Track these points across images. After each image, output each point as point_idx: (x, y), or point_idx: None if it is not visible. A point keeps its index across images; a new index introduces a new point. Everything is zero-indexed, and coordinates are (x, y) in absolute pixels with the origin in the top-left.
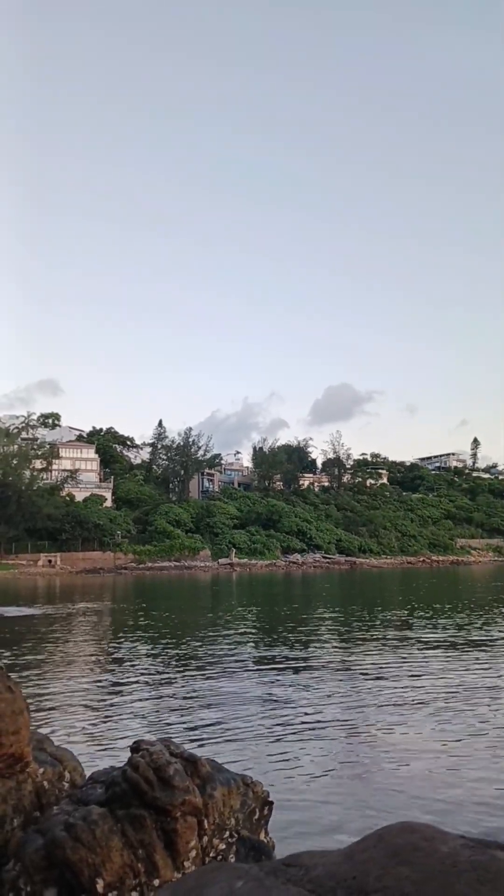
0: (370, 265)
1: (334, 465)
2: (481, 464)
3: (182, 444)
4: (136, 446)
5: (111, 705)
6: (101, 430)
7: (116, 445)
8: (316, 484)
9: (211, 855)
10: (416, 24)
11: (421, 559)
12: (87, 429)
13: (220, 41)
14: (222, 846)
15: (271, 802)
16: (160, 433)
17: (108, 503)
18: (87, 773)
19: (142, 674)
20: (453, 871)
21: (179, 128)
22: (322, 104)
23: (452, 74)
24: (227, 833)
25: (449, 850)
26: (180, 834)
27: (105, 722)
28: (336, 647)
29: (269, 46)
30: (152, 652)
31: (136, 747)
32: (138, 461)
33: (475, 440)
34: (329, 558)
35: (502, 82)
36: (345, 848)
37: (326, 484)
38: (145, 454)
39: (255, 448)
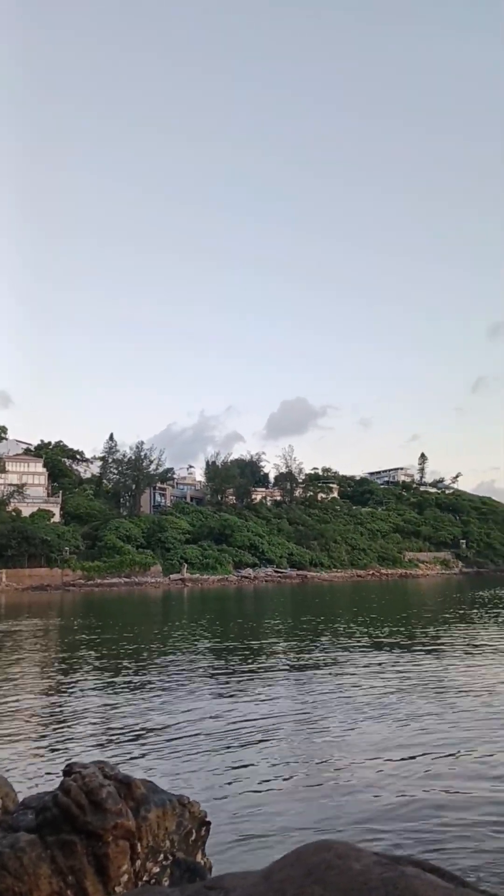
0: (331, 281)
1: (286, 479)
2: (429, 478)
3: (134, 457)
4: (87, 460)
5: (53, 727)
6: (49, 443)
7: (66, 459)
8: (268, 498)
9: (144, 879)
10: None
11: (370, 572)
12: (36, 442)
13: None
14: (156, 869)
15: (208, 822)
16: (111, 447)
17: (57, 518)
18: (22, 799)
19: (86, 693)
20: (364, 888)
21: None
22: (276, 103)
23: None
24: (162, 856)
25: (361, 867)
26: (112, 858)
27: (46, 743)
28: (286, 662)
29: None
30: (97, 670)
31: (68, 770)
32: (88, 475)
33: (422, 455)
34: (281, 572)
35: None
36: (265, 868)
37: (279, 498)
38: (95, 468)
39: (207, 462)
